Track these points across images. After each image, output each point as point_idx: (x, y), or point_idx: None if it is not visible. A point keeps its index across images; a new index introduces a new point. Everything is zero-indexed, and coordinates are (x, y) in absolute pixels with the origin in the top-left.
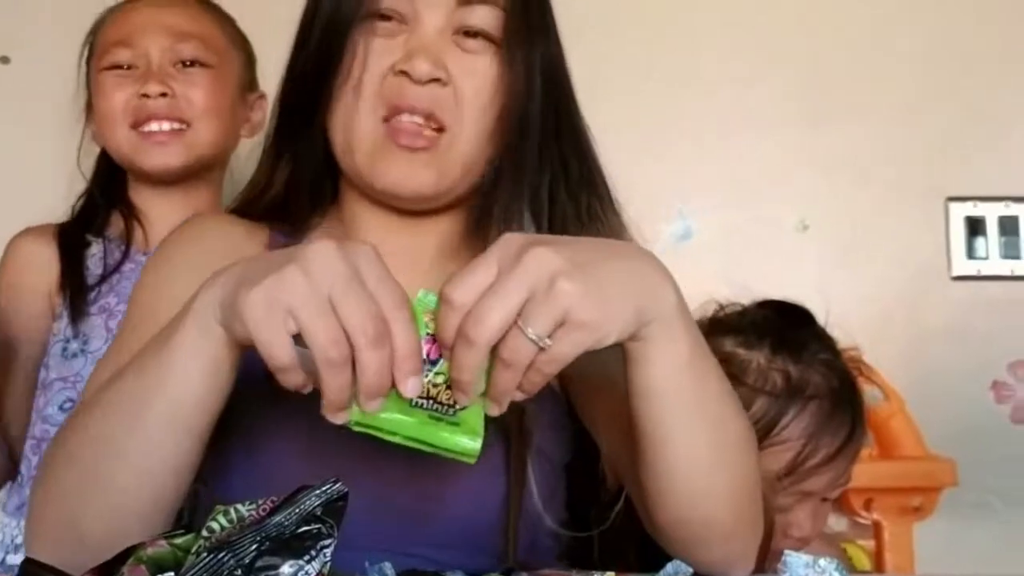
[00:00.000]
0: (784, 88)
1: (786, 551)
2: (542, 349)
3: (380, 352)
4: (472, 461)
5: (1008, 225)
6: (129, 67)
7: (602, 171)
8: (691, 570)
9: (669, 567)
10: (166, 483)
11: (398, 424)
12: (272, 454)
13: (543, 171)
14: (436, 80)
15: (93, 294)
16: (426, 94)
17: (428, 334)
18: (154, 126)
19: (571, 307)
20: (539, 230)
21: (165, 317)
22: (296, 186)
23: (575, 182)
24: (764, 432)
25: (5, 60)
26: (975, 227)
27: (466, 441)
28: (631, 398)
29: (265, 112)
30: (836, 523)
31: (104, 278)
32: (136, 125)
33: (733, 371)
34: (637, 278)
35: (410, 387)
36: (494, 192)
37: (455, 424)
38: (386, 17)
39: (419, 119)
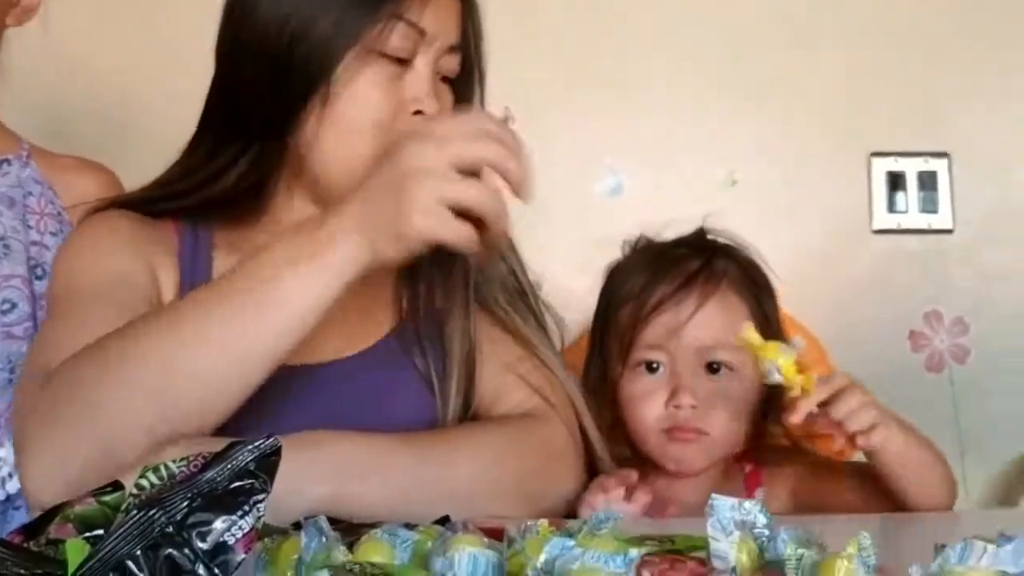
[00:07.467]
0: (712, 45)
1: (713, 495)
2: None
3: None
4: None
5: (927, 180)
6: None
7: None
8: (620, 515)
9: (601, 513)
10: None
11: None
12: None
13: None
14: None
15: None
16: None
17: None
18: None
19: None
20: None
21: (109, 289)
22: (249, 186)
23: None
24: (638, 308)
25: None
26: (896, 182)
27: None
28: None
29: None
30: None
31: None
32: None
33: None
34: None
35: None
36: None
37: None
38: (385, 56)
39: None
